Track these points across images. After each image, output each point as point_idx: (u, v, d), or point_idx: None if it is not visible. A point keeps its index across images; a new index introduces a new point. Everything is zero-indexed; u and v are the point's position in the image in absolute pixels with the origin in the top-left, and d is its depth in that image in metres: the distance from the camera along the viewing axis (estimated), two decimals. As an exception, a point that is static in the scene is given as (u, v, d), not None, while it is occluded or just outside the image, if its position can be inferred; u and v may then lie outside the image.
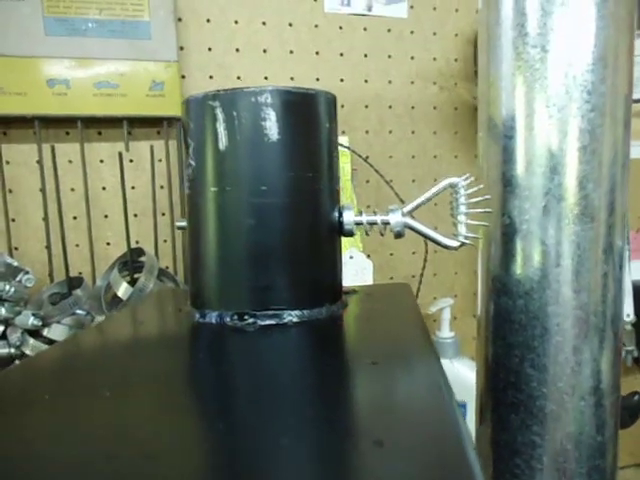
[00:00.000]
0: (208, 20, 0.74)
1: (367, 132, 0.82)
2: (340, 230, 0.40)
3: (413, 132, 0.84)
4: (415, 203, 0.41)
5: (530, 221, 0.32)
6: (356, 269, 0.80)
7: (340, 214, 0.40)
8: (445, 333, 0.81)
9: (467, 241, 0.40)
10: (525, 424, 0.33)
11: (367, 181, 0.82)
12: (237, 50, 0.75)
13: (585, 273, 0.31)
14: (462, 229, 0.40)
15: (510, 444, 0.34)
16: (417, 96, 0.83)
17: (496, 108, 0.32)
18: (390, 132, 0.83)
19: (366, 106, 0.82)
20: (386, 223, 0.40)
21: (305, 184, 0.37)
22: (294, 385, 0.27)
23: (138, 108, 0.70)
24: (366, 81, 0.81)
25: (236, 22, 0.75)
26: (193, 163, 0.38)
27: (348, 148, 0.78)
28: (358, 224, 0.40)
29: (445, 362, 0.87)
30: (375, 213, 0.41)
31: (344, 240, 0.80)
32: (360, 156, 0.79)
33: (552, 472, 0.33)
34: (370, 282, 0.81)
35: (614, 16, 0.30)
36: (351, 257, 0.79)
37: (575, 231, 0.31)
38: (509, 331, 0.34)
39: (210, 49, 0.75)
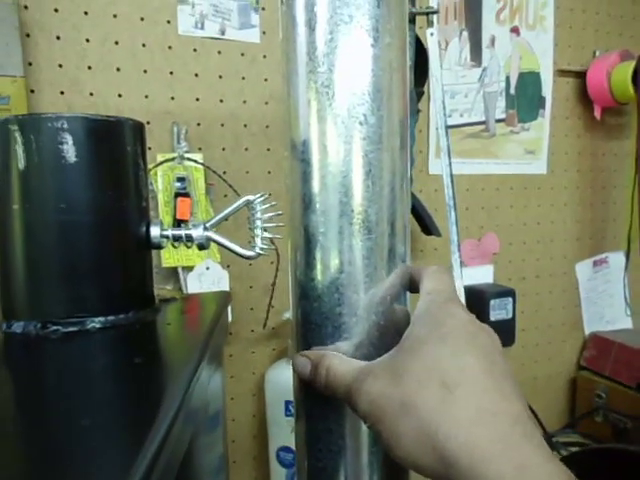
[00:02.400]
0: (58, 37, 0.75)
1: (224, 149, 0.87)
2: (147, 243, 0.44)
3: (269, 149, 0.90)
4: (216, 219, 0.45)
5: (325, 233, 0.36)
6: (213, 279, 0.84)
7: (147, 229, 0.44)
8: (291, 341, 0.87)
9: (262, 252, 0.46)
10: (324, 414, 0.37)
11: (225, 195, 0.86)
12: (89, 68, 0.77)
13: (367, 278, 0.36)
14: (258, 241, 0.45)
15: (312, 432, 0.38)
16: (271, 116, 0.89)
17: (296, 132, 0.36)
18: (246, 149, 0.88)
19: (222, 125, 0.86)
20: (190, 236, 0.44)
21: (106, 202, 0.40)
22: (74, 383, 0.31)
23: (-18, 122, 0.70)
24: (221, 101, 0.86)
25: (88, 40, 0.77)
26: (-2, 182, 0.40)
27: (202, 164, 0.82)
28: (165, 237, 0.44)
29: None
30: (181, 227, 0.45)
31: (200, 252, 0.83)
32: (215, 172, 0.84)
33: (351, 451, 0.38)
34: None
35: (387, 58, 0.35)
36: (207, 268, 0.83)
37: (359, 242, 0.35)
38: (308, 331, 0.38)
39: (61, 65, 0.76)
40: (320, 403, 0.36)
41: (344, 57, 0.33)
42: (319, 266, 0.35)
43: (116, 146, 0.41)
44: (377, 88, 0.34)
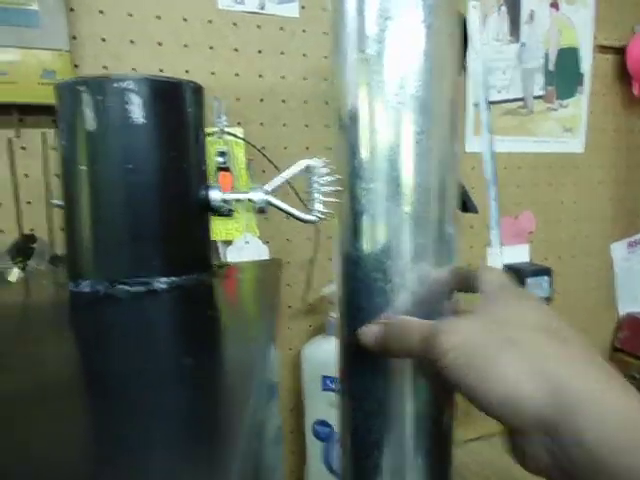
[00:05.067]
0: (101, 12, 0.76)
1: (262, 124, 0.87)
2: (208, 207, 0.44)
3: (307, 125, 0.89)
4: (276, 183, 0.45)
5: (374, 202, 0.35)
6: (252, 253, 0.84)
7: (207, 192, 0.44)
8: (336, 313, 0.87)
9: (322, 216, 0.46)
10: (373, 385, 0.36)
11: (263, 171, 0.86)
12: (131, 42, 0.77)
13: (418, 249, 0.35)
14: (317, 206, 0.45)
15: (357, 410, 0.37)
16: (310, 91, 0.88)
17: (343, 105, 0.36)
18: (284, 125, 0.88)
19: (261, 100, 0.86)
20: (250, 200, 0.44)
21: (170, 163, 0.41)
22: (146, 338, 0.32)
23: (29, 96, 0.71)
24: (260, 76, 0.86)
25: (130, 15, 0.77)
26: (65, 144, 0.41)
27: (243, 139, 0.82)
28: (225, 201, 0.44)
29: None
30: (241, 192, 0.45)
31: (238, 225, 0.84)
32: (254, 146, 0.84)
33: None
34: (266, 266, 0.85)
35: (440, 33, 0.34)
36: (247, 242, 0.84)
37: (410, 212, 0.35)
38: (358, 300, 0.37)
39: (104, 39, 0.76)
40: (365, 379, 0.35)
41: (396, 35, 0.32)
42: (369, 236, 0.34)
43: (179, 107, 0.41)
44: (429, 67, 0.32)
